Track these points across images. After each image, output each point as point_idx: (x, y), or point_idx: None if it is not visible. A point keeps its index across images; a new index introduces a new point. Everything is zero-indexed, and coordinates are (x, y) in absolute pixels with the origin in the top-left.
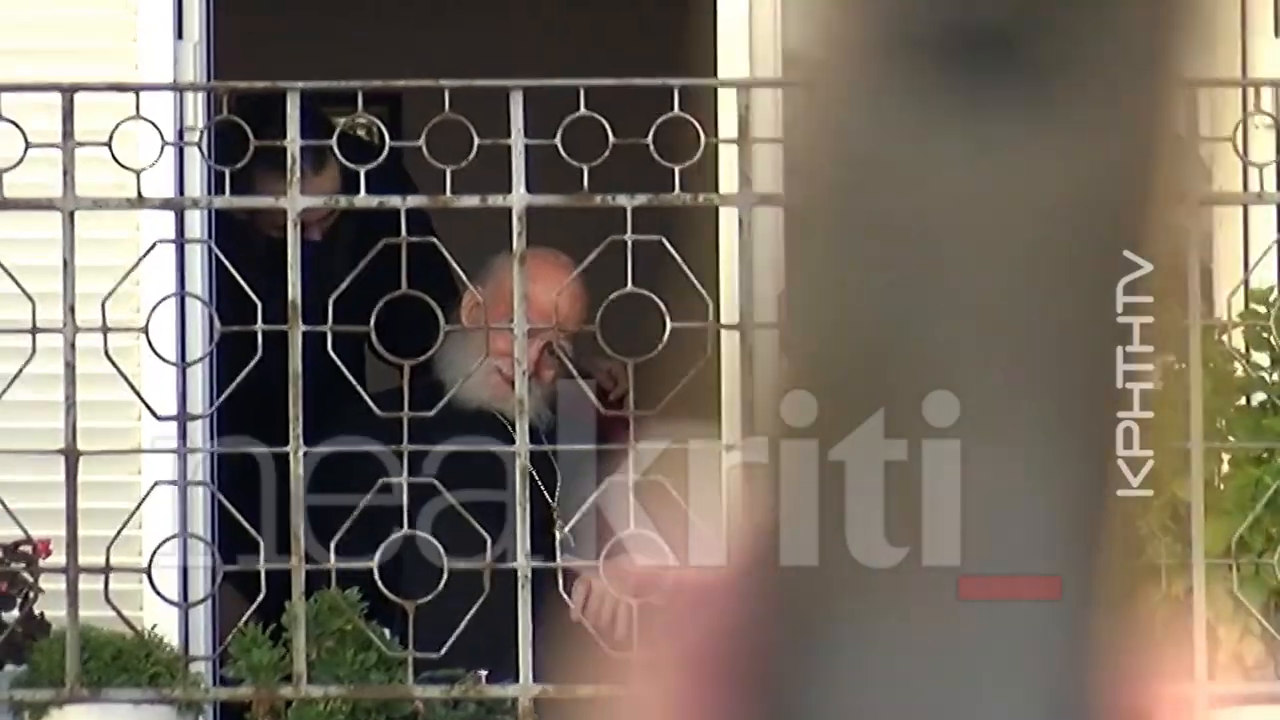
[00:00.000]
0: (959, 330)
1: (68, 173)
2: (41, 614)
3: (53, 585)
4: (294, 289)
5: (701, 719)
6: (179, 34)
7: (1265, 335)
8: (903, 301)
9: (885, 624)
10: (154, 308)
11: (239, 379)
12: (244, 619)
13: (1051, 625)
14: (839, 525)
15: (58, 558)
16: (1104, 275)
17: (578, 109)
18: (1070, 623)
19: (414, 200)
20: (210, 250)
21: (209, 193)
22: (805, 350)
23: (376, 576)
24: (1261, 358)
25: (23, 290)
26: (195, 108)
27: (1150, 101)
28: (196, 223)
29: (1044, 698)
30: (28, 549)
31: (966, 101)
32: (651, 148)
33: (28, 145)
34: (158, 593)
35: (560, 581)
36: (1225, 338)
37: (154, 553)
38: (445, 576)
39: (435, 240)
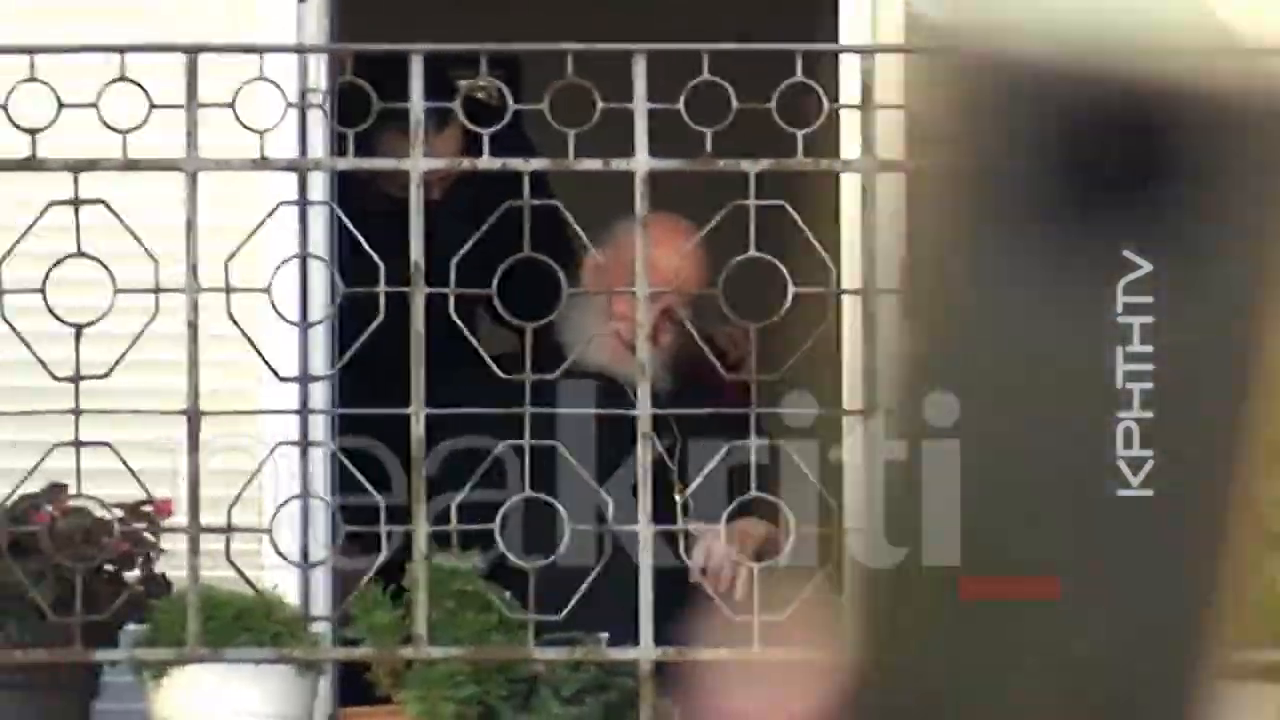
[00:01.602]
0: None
1: (191, 134)
2: (163, 574)
3: (174, 545)
4: (416, 250)
5: None
6: None
7: None
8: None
9: None
10: (276, 269)
11: (361, 340)
12: (364, 580)
13: None
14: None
15: (179, 518)
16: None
17: (700, 73)
18: None
19: (537, 163)
20: (332, 212)
21: (331, 154)
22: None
23: (498, 538)
24: None
25: (146, 250)
26: (318, 69)
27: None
28: (319, 184)
29: None
30: (149, 509)
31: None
32: (774, 113)
33: (151, 106)
34: (279, 553)
35: (681, 545)
36: None
37: (275, 513)
38: (566, 539)
39: (557, 203)
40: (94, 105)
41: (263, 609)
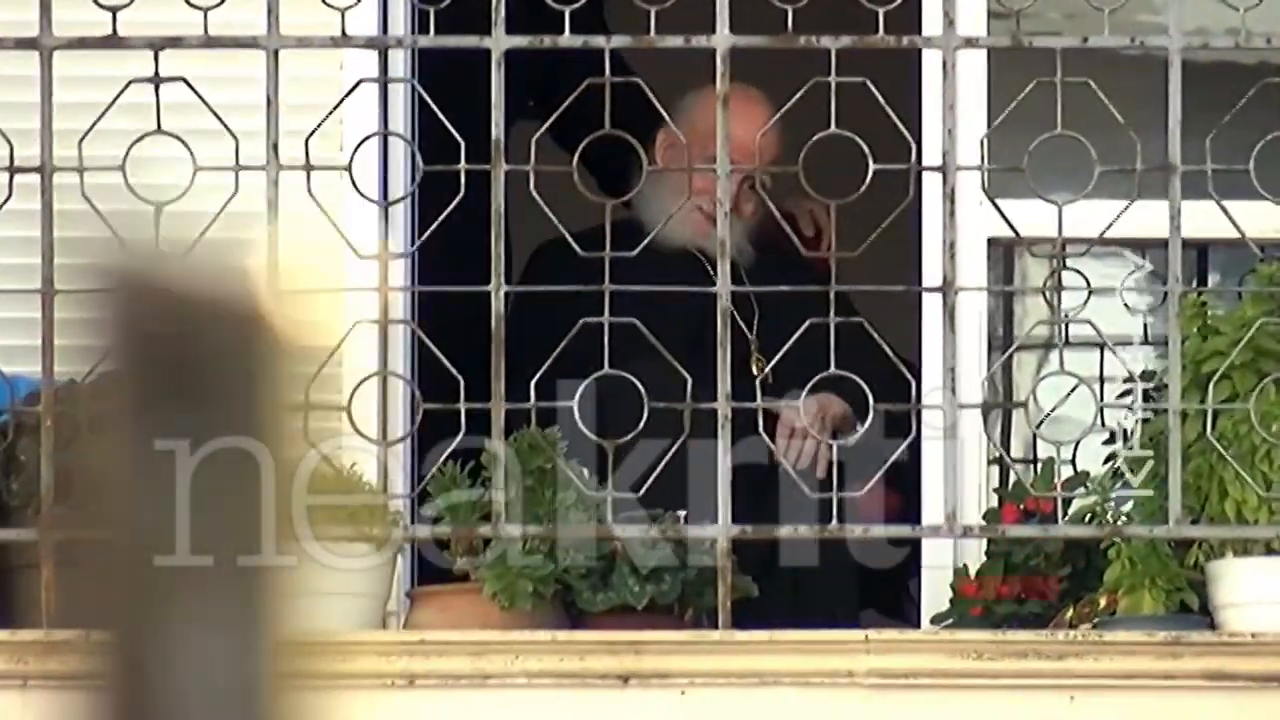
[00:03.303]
0: None
1: (271, 11)
2: None
3: None
4: (497, 128)
5: None
6: None
7: None
8: None
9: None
10: (357, 146)
11: (442, 217)
12: (443, 458)
13: None
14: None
15: None
16: None
17: None
18: None
19: (618, 40)
20: (413, 89)
21: (412, 32)
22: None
23: (576, 415)
24: None
25: (226, 128)
26: None
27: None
28: (400, 62)
29: None
30: None
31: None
32: None
33: None
34: (357, 430)
35: (760, 422)
36: None
37: (354, 391)
38: (645, 416)
39: (639, 80)
40: None
41: (341, 487)
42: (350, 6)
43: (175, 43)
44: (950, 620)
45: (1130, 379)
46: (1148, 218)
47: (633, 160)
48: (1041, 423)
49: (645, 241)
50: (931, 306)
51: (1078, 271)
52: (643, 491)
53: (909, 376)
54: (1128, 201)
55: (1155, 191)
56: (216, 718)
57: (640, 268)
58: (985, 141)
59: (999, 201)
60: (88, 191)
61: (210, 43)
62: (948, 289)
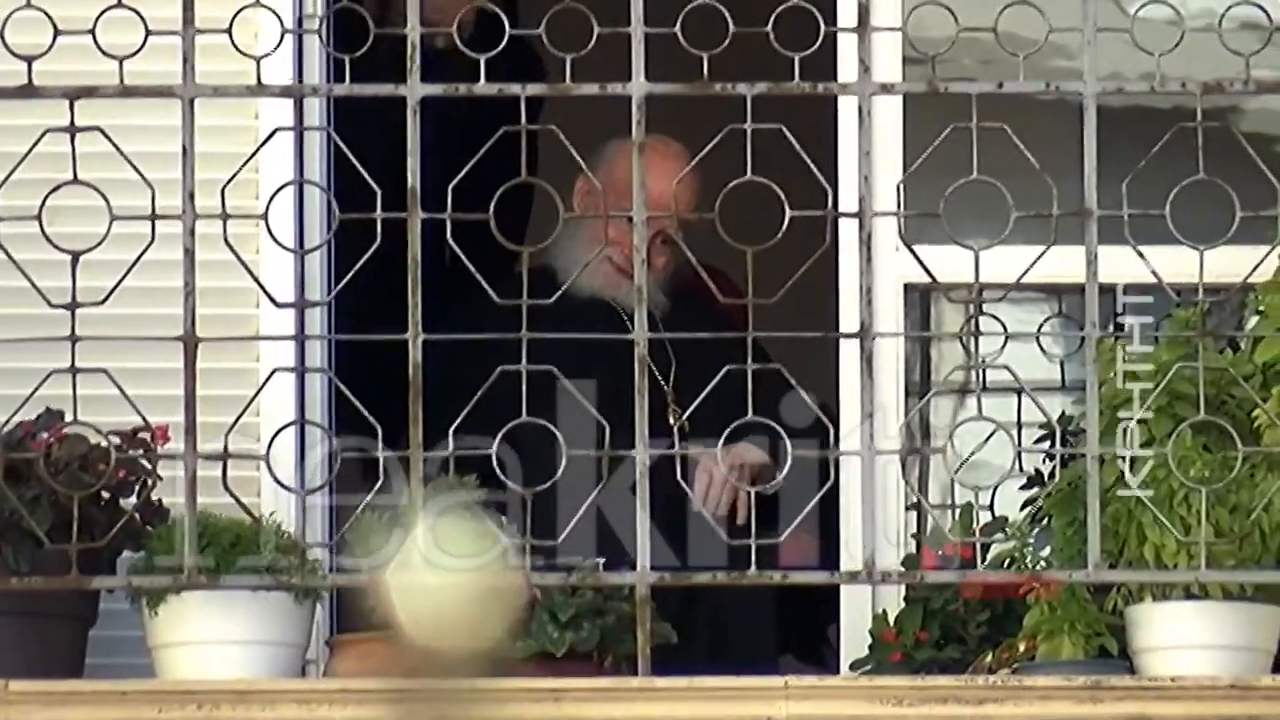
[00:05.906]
0: None
1: (187, 60)
2: (159, 501)
3: (170, 472)
4: (413, 176)
5: None
6: None
7: None
8: None
9: None
10: (273, 195)
11: (357, 266)
12: (361, 506)
13: None
14: None
15: (176, 444)
16: None
17: None
18: None
19: (534, 88)
20: (329, 138)
21: (328, 80)
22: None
23: (495, 463)
24: None
25: (142, 177)
26: None
27: None
28: (315, 110)
29: None
30: (146, 436)
31: None
32: (771, 36)
33: (148, 33)
34: (276, 480)
35: (678, 470)
36: None
37: (272, 440)
38: (563, 464)
39: (554, 128)
40: (90, 32)
41: (260, 536)
42: (266, 55)
43: (91, 92)
44: (869, 666)
45: (1048, 424)
46: (1064, 263)
47: (546, 208)
48: (959, 468)
49: (561, 291)
50: (848, 352)
51: (994, 317)
52: (561, 539)
53: (826, 422)
54: (1044, 246)
55: (1071, 237)
56: None
57: (555, 317)
58: (901, 187)
59: (915, 247)
60: (4, 241)
61: (126, 92)
62: (864, 335)
